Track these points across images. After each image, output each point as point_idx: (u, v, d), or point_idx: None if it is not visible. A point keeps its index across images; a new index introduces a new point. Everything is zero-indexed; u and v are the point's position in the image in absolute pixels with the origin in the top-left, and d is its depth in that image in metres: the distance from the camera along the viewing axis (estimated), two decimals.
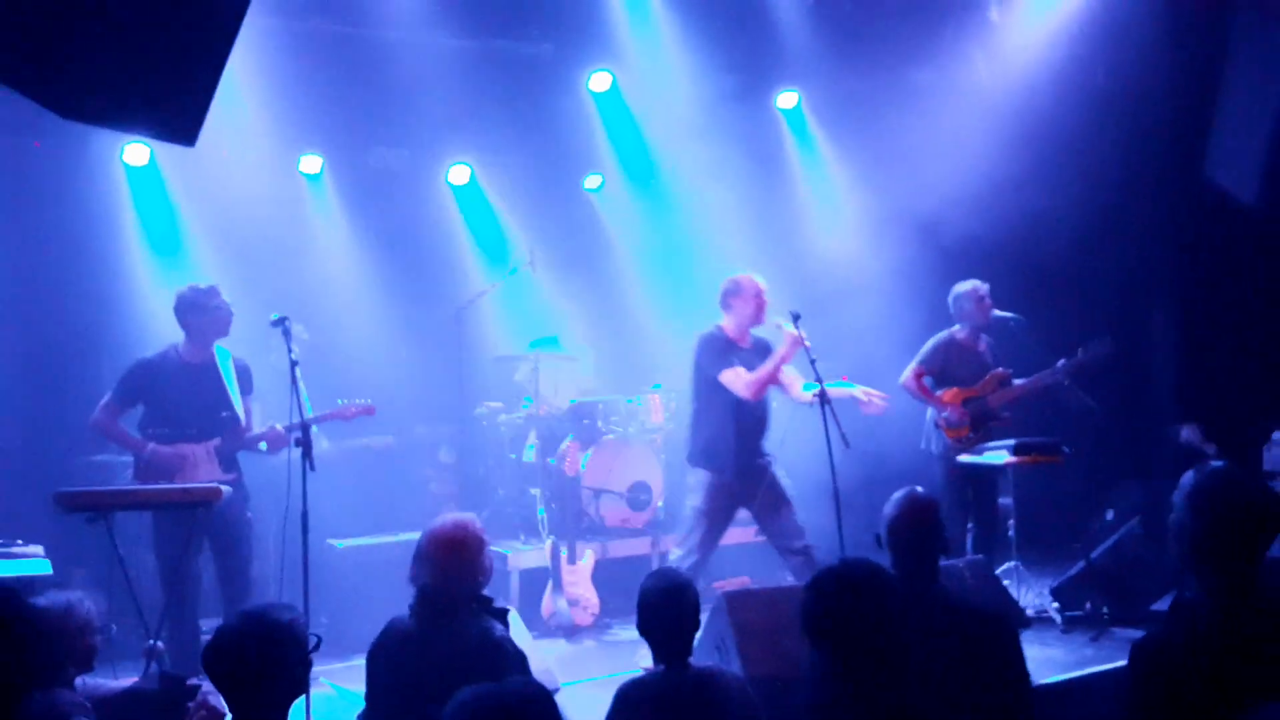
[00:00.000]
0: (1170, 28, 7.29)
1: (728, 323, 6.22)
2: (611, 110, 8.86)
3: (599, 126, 8.90)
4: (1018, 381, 6.74)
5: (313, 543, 5.24)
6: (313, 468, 5.12)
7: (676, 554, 6.25)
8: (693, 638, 3.55)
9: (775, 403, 6.40)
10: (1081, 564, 6.15)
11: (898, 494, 3.90)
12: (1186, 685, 2.59)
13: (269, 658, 2.82)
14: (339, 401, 6.22)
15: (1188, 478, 2.90)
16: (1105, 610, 6.04)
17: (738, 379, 6.01)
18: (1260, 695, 2.54)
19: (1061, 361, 6.61)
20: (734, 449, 6.11)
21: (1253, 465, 6.67)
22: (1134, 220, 7.46)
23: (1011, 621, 3.69)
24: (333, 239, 8.22)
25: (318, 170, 8.32)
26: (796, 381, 6.17)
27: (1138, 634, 5.59)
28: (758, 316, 6.19)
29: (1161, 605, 6.12)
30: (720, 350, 6.12)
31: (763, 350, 6.22)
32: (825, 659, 2.78)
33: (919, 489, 4.07)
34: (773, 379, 6.07)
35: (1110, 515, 6.99)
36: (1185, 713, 2.65)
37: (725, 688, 3.47)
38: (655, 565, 7.66)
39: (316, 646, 3.03)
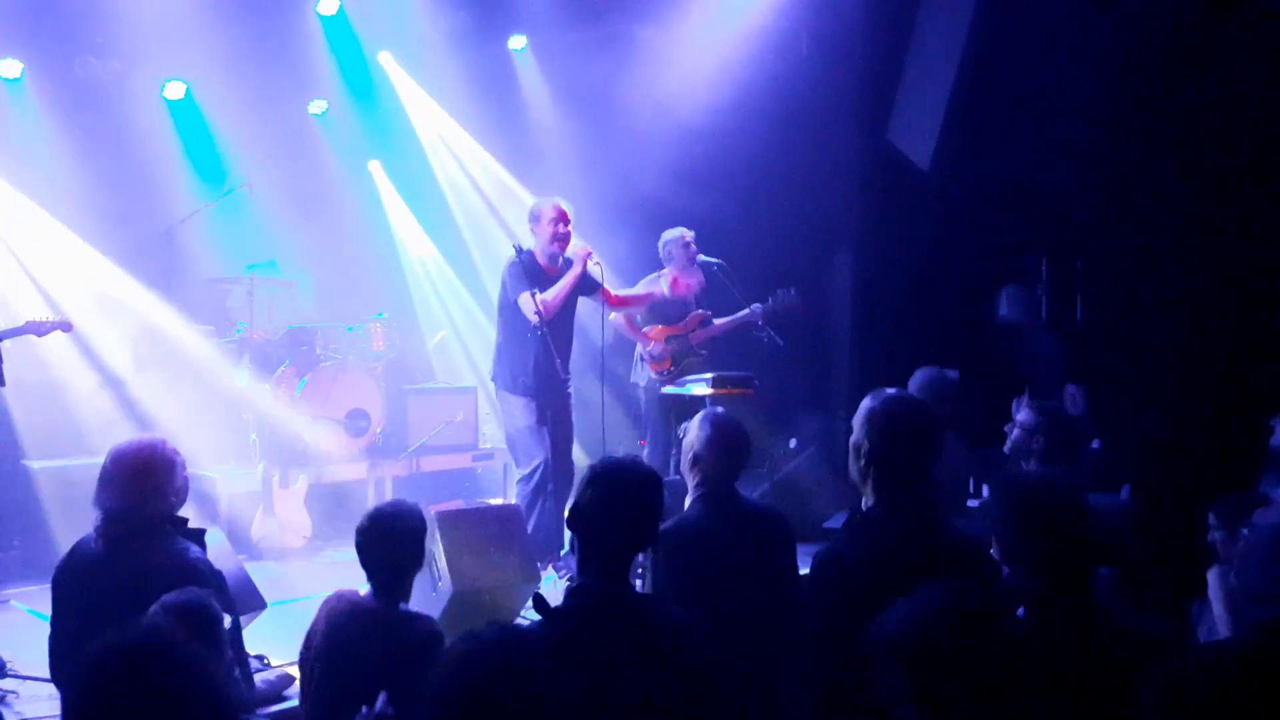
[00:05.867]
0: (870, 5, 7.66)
1: (536, 249, 6.02)
2: (339, 36, 8.41)
3: (325, 51, 8.43)
4: (717, 321, 6.95)
5: (4, 464, 4.76)
6: (2, 383, 4.65)
7: (520, 474, 6.05)
8: (407, 570, 3.35)
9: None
10: (766, 485, 6.43)
11: (700, 415, 3.89)
12: (863, 591, 2.67)
13: None
14: (32, 317, 5.65)
15: (865, 402, 2.96)
16: None
17: (529, 302, 5.78)
18: None
19: (756, 305, 6.86)
20: (532, 371, 5.96)
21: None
22: (823, 178, 7.80)
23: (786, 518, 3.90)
24: (33, 148, 7.40)
25: (17, 75, 7.44)
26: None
27: (812, 547, 5.97)
28: (560, 242, 6.00)
29: (833, 523, 6.48)
30: (521, 274, 5.88)
31: None
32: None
33: (719, 409, 4.11)
34: (562, 300, 5.89)
35: (793, 443, 7.34)
36: (860, 613, 2.76)
37: (421, 632, 3.28)
38: (371, 491, 7.42)
39: None
